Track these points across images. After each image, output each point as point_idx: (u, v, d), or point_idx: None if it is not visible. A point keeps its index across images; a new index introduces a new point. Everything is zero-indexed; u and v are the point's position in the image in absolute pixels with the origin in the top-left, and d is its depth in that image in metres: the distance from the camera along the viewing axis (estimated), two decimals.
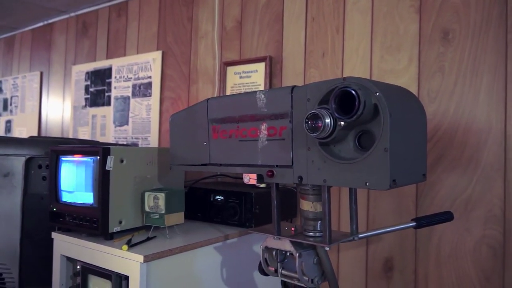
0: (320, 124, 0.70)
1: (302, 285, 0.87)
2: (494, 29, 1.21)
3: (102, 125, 2.35)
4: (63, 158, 1.19)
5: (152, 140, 2.09)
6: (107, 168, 1.09)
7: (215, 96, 1.82)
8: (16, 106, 3.00)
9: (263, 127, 0.85)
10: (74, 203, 1.16)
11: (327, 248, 0.80)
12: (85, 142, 1.57)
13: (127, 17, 2.28)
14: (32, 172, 1.28)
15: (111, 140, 2.28)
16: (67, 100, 2.62)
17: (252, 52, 1.73)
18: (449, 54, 1.28)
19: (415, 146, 0.75)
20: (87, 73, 2.46)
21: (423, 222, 0.96)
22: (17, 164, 1.27)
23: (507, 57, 1.19)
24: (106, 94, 2.34)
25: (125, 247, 1.02)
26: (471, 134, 1.24)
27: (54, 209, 1.19)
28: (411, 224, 0.96)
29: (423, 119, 0.79)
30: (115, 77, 2.29)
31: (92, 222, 1.11)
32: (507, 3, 1.20)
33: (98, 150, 1.09)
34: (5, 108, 3.09)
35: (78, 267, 1.15)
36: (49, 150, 1.20)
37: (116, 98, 2.28)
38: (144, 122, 2.14)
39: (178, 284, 1.08)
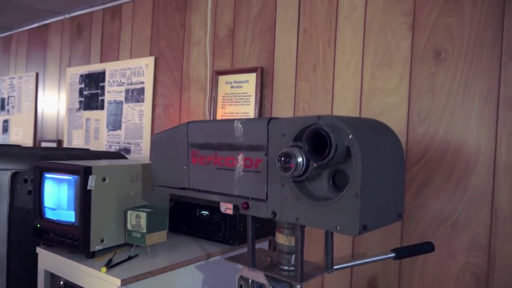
0: (292, 164, 0.69)
1: None
2: (488, 51, 1.19)
3: (96, 129, 2.34)
4: (47, 175, 1.18)
5: (144, 146, 2.08)
6: (88, 187, 1.08)
7: (207, 105, 1.81)
8: (13, 106, 3.00)
9: (240, 157, 0.84)
10: (57, 220, 1.15)
11: (298, 287, 0.79)
12: (74, 152, 1.57)
13: (121, 20, 2.26)
14: (18, 186, 1.28)
15: (104, 144, 2.28)
16: (62, 101, 2.61)
17: (244, 62, 1.72)
18: (440, 74, 1.26)
19: (390, 187, 0.73)
20: (81, 76, 2.45)
21: (402, 253, 0.95)
22: (3, 178, 1.26)
23: (500, 80, 1.17)
24: (100, 98, 2.33)
25: (103, 269, 1.01)
26: (460, 157, 1.22)
27: (38, 225, 1.18)
28: (390, 255, 0.95)
29: (400, 157, 0.77)
30: (109, 81, 2.28)
31: (74, 240, 1.10)
32: (503, 25, 1.18)
33: (79, 169, 1.08)
34: (2, 107, 3.09)
35: (61, 282, 1.15)
36: (33, 166, 1.19)
37: (110, 102, 2.27)
38: (136, 128, 2.13)
39: None
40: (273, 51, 1.63)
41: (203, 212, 1.37)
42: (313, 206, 0.71)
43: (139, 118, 2.12)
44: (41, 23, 2.78)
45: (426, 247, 0.97)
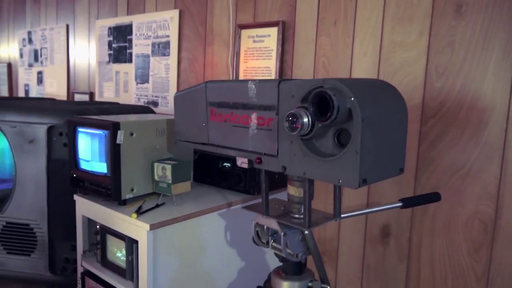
0: (298, 125, 0.74)
1: (288, 257, 0.96)
2: (508, 4, 1.17)
3: (125, 82, 2.43)
4: (80, 129, 1.29)
5: (171, 100, 2.16)
6: (117, 142, 1.18)
7: (230, 60, 1.85)
8: (46, 58, 3.12)
9: (254, 116, 0.90)
10: (91, 171, 1.27)
11: (306, 232, 0.87)
12: (104, 106, 1.66)
13: None
14: (54, 139, 1.39)
15: (133, 97, 2.37)
16: (92, 54, 2.70)
17: (266, 16, 1.73)
18: (460, 28, 1.25)
19: (392, 144, 0.79)
20: (110, 28, 2.51)
21: (409, 203, 1.01)
22: (40, 131, 1.38)
23: None
24: (128, 51, 2.40)
25: (134, 215, 1.13)
26: (474, 112, 1.24)
27: (74, 175, 1.31)
28: (397, 205, 1.01)
29: (403, 116, 0.82)
30: (136, 34, 2.33)
31: (107, 189, 1.22)
32: None
33: (108, 125, 1.18)
34: (36, 59, 3.22)
35: (98, 226, 1.29)
36: (66, 120, 1.30)
37: (137, 56, 2.34)
38: (163, 81, 2.20)
39: (184, 249, 1.20)
40: (294, 4, 1.63)
41: (225, 164, 1.46)
42: (318, 161, 0.77)
43: (165, 71, 2.18)
44: None
45: (432, 197, 1.03)
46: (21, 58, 3.39)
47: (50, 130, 1.39)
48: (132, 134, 1.22)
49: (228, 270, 1.35)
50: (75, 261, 1.45)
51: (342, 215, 0.95)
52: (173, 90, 2.15)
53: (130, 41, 2.37)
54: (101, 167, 1.23)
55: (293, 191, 0.91)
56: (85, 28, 2.76)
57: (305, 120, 0.74)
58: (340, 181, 0.74)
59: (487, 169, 1.23)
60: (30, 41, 3.27)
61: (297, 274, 1.00)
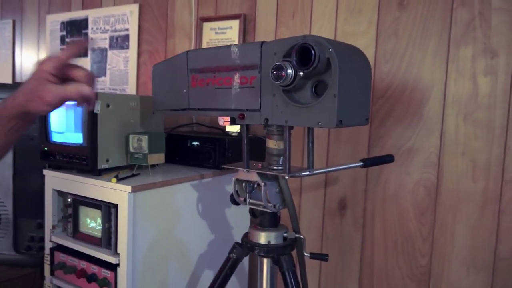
0: (283, 74, 0.85)
1: (267, 210, 1.05)
2: None
3: None
4: None
5: (130, 92, 2.19)
6: (95, 111, 1.21)
7: None
8: None
9: (236, 76, 1.00)
10: (64, 142, 1.28)
11: (286, 177, 0.97)
12: None
13: None
14: None
15: None
16: (42, 49, 2.65)
17: (228, 9, 1.84)
18: (403, 18, 1.44)
19: (360, 95, 0.92)
20: (63, 23, 2.49)
21: (368, 162, 1.15)
22: None
23: (451, 23, 1.36)
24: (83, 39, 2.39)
25: (114, 179, 1.17)
26: (417, 91, 1.43)
27: (46, 148, 1.31)
28: (358, 164, 1.14)
29: (368, 73, 0.95)
30: (92, 28, 2.34)
31: (82, 160, 1.24)
32: None
33: None
34: None
35: (69, 199, 1.29)
36: None
37: (93, 50, 2.34)
38: (121, 74, 2.22)
39: (160, 214, 1.25)
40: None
41: (194, 142, 1.53)
42: (299, 109, 0.88)
43: (124, 64, 2.21)
44: None
45: (388, 158, 1.17)
46: None
47: None
48: (108, 106, 1.26)
49: (200, 239, 1.41)
50: (40, 239, 1.43)
51: (314, 171, 1.06)
52: (132, 82, 2.18)
53: (86, 35, 2.37)
54: (77, 138, 1.25)
55: (272, 144, 1.01)
56: (34, 23, 2.70)
57: (289, 70, 0.85)
58: (320, 123, 0.86)
59: (429, 141, 1.41)
60: None
61: (273, 226, 1.10)
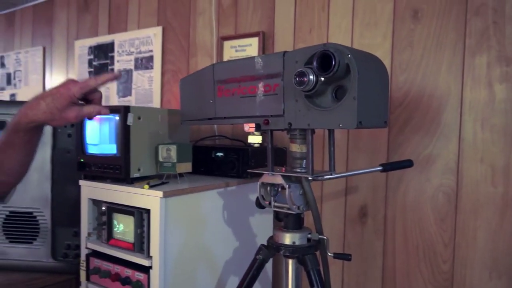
0: (305, 79, 0.91)
1: (291, 212, 1.10)
2: (456, 9, 1.43)
3: (106, 97, 2.53)
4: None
5: None
6: (127, 123, 1.30)
7: None
8: (20, 80, 3.15)
9: (260, 84, 1.07)
10: (99, 154, 1.37)
11: (310, 178, 1.02)
12: None
13: None
14: (59, 130, 1.48)
15: None
16: (71, 73, 2.79)
17: (247, 28, 1.93)
18: (417, 30, 1.50)
19: (378, 98, 0.97)
20: (90, 47, 2.63)
21: (387, 166, 1.19)
22: None
23: (465, 34, 1.41)
24: (110, 67, 2.52)
25: (146, 186, 1.24)
26: (434, 100, 1.47)
27: (82, 160, 1.39)
28: (378, 168, 1.18)
29: (385, 78, 1.01)
30: (118, 51, 2.47)
31: (115, 169, 1.32)
32: None
33: (120, 109, 1.30)
34: (8, 82, 3.24)
35: (104, 208, 1.37)
36: None
37: (119, 71, 2.46)
38: (146, 93, 2.33)
39: (189, 219, 1.31)
40: (273, 17, 1.85)
41: (218, 153, 1.60)
42: (320, 113, 0.94)
43: (148, 84, 2.32)
44: None
45: (407, 163, 1.21)
46: None
47: None
48: (139, 118, 1.34)
49: (225, 245, 1.46)
50: (76, 246, 1.50)
51: (336, 175, 1.10)
52: (157, 100, 2.28)
53: (112, 58, 2.50)
54: (111, 149, 1.33)
55: (295, 148, 1.07)
56: (63, 49, 2.85)
57: (311, 76, 0.91)
58: (340, 125, 0.91)
59: (447, 147, 1.44)
60: (2, 65, 3.30)
61: (297, 228, 1.14)
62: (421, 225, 1.49)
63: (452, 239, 1.44)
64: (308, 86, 0.92)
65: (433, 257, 1.46)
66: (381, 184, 1.57)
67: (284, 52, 1.02)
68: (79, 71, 2.69)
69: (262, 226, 1.60)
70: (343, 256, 1.09)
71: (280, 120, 1.03)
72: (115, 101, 2.48)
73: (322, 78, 0.91)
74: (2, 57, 3.29)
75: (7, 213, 1.50)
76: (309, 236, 1.13)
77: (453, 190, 1.43)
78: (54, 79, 2.92)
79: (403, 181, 1.52)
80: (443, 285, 1.44)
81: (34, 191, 1.48)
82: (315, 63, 0.91)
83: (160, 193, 1.20)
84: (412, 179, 1.50)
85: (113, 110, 1.32)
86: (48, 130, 1.47)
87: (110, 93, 2.50)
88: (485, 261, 1.37)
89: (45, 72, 2.97)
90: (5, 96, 3.26)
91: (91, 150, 1.39)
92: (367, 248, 1.61)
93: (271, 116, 1.05)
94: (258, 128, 1.08)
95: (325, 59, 0.89)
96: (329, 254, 1.10)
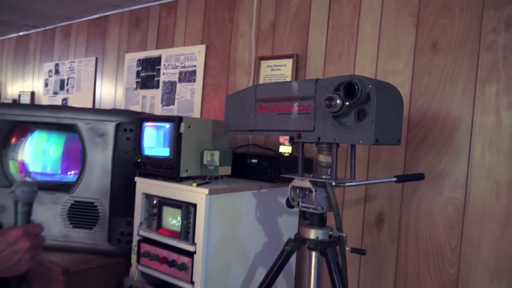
0: (333, 103, 1.13)
1: (316, 212, 1.31)
2: (470, 45, 1.61)
3: (151, 105, 2.81)
4: (145, 124, 1.65)
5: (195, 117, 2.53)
6: (180, 131, 1.54)
7: (250, 84, 2.26)
8: (72, 86, 3.48)
9: (295, 105, 1.29)
10: (154, 155, 1.62)
11: (333, 183, 1.23)
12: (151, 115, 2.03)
13: (176, 15, 2.72)
14: (120, 134, 1.75)
15: None
16: (120, 82, 3.09)
17: (282, 50, 2.16)
18: (436, 60, 1.69)
19: (393, 121, 1.18)
20: (139, 60, 2.92)
21: (401, 177, 1.39)
22: (109, 127, 1.73)
23: (478, 66, 1.60)
24: (155, 78, 2.80)
25: (194, 184, 1.48)
26: (448, 122, 1.66)
27: (139, 160, 1.65)
28: (393, 179, 1.38)
29: (400, 104, 1.22)
30: (164, 64, 2.74)
31: (168, 169, 1.56)
32: (481, 25, 1.60)
33: (174, 118, 1.54)
34: (61, 87, 3.58)
35: (155, 201, 1.61)
36: (135, 118, 1.66)
37: (164, 83, 2.73)
38: (188, 103, 2.59)
39: (227, 214, 1.54)
40: (306, 42, 2.08)
41: (253, 160, 1.82)
42: (344, 130, 1.16)
43: (190, 95, 2.58)
44: (101, 15, 3.26)
45: (419, 176, 1.41)
46: (45, 87, 3.74)
47: (117, 126, 1.74)
48: (189, 127, 1.58)
49: (256, 239, 1.68)
50: (129, 234, 1.74)
51: (355, 182, 1.31)
52: (197, 110, 2.53)
53: (158, 70, 2.78)
54: (164, 152, 1.58)
55: (322, 158, 1.29)
56: (113, 61, 3.16)
57: (338, 101, 1.13)
58: (360, 141, 1.12)
59: (458, 165, 1.62)
60: (56, 72, 3.64)
61: (320, 226, 1.35)
62: (432, 232, 1.67)
63: (458, 245, 1.61)
64: (335, 108, 1.14)
65: (441, 261, 1.64)
66: (397, 195, 1.76)
67: (317, 80, 1.24)
68: (127, 80, 2.99)
69: (288, 225, 1.82)
70: (359, 251, 1.29)
71: (310, 135, 1.25)
72: (159, 109, 2.75)
73: (347, 103, 1.13)
74: (57, 64, 3.64)
75: (73, 202, 1.77)
76: (330, 233, 1.34)
77: (461, 202, 1.61)
78: (103, 87, 3.22)
79: (417, 193, 1.71)
80: (449, 287, 1.61)
81: (96, 184, 1.75)
82: (342, 91, 1.12)
83: (206, 191, 1.43)
84: (425, 192, 1.69)
85: (168, 119, 1.57)
86: (111, 133, 1.74)
87: (155, 102, 2.78)
88: (488, 267, 1.54)
89: (96, 80, 3.29)
90: (58, 100, 3.60)
91: (147, 152, 1.64)
92: (382, 251, 1.79)
93: (303, 131, 1.27)
94: (291, 140, 1.30)
95: (350, 87, 1.11)
96: (347, 248, 1.30)
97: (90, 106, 3.28)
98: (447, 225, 1.64)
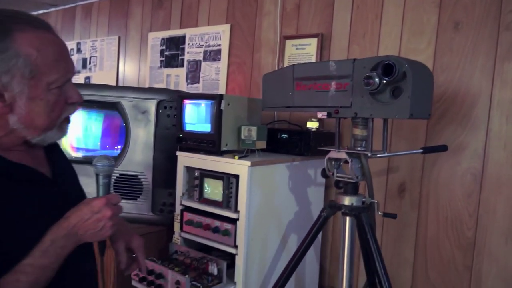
0: (372, 81, 1.25)
1: (350, 181, 1.45)
2: (490, 24, 1.71)
3: (176, 83, 2.92)
4: (186, 101, 1.77)
5: None
6: (221, 107, 1.66)
7: (276, 63, 2.37)
8: (95, 65, 3.59)
9: (333, 83, 1.41)
10: (195, 131, 1.75)
11: (369, 154, 1.36)
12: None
13: None
14: (161, 111, 1.87)
15: None
16: (143, 61, 3.19)
17: (307, 29, 2.26)
18: (457, 39, 1.80)
19: (425, 97, 1.30)
20: (163, 39, 3.01)
21: (427, 149, 1.52)
22: (151, 105, 1.86)
23: (497, 44, 1.70)
24: (180, 57, 2.90)
25: (236, 157, 1.61)
26: (468, 96, 1.77)
27: (180, 135, 1.78)
28: (419, 150, 1.51)
29: (431, 82, 1.33)
30: (188, 43, 2.84)
31: (209, 143, 1.69)
32: (501, 5, 1.70)
33: (215, 96, 1.67)
34: (84, 66, 3.68)
35: (196, 173, 1.75)
36: (177, 96, 1.78)
37: (189, 61, 2.84)
38: (213, 81, 2.70)
39: (265, 184, 1.68)
40: (331, 21, 2.17)
41: (283, 135, 1.95)
42: (381, 106, 1.28)
43: (215, 73, 2.69)
44: None
45: (443, 147, 1.53)
46: None
47: (159, 104, 1.87)
48: (228, 104, 1.70)
49: (288, 208, 1.83)
50: (171, 204, 1.90)
51: (387, 154, 1.44)
52: (222, 88, 2.65)
53: (183, 49, 2.88)
54: (206, 127, 1.71)
55: (358, 131, 1.41)
56: (137, 40, 3.25)
57: (376, 79, 1.25)
58: (397, 115, 1.25)
59: (476, 137, 1.75)
60: (78, 50, 3.74)
61: (354, 193, 1.49)
62: (451, 200, 1.81)
63: (475, 211, 1.75)
64: (373, 86, 1.26)
65: (459, 225, 1.78)
66: (418, 166, 1.89)
67: (354, 60, 1.36)
68: (151, 59, 3.09)
69: (315, 196, 1.96)
70: (390, 215, 1.43)
71: (348, 111, 1.37)
72: (183, 87, 2.86)
73: (384, 81, 1.25)
74: (79, 43, 3.73)
75: (118, 174, 1.91)
76: (363, 199, 1.48)
77: (479, 171, 1.74)
78: (126, 66, 3.33)
79: (437, 164, 1.84)
80: (467, 249, 1.76)
81: (140, 158, 1.89)
82: (380, 70, 1.24)
83: (248, 163, 1.57)
84: (445, 163, 1.82)
85: (209, 97, 1.69)
86: (153, 110, 1.87)
87: (180, 80, 2.89)
88: (503, 229, 1.68)
89: (119, 59, 3.39)
90: (80, 79, 3.70)
91: (188, 127, 1.77)
92: (403, 217, 1.94)
93: (340, 107, 1.40)
94: (329, 115, 1.43)
95: (388, 67, 1.23)
96: (379, 213, 1.44)
97: (114, 82, 3.39)
98: (465, 192, 1.78)
